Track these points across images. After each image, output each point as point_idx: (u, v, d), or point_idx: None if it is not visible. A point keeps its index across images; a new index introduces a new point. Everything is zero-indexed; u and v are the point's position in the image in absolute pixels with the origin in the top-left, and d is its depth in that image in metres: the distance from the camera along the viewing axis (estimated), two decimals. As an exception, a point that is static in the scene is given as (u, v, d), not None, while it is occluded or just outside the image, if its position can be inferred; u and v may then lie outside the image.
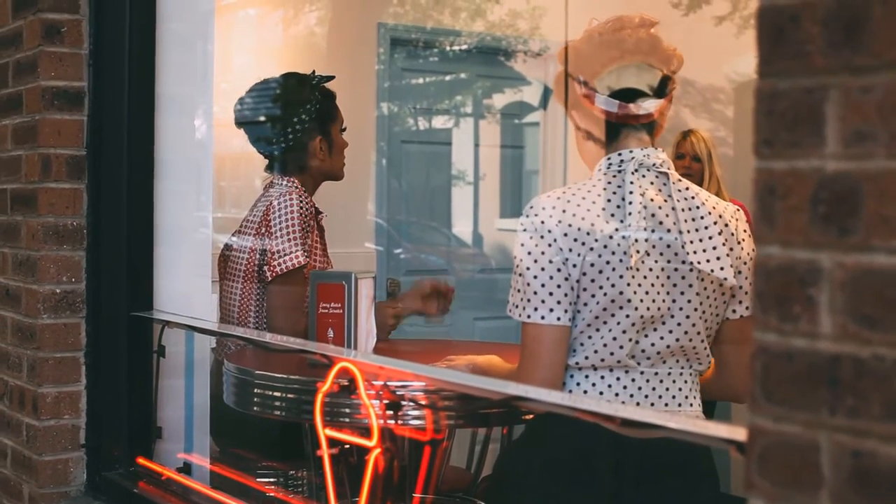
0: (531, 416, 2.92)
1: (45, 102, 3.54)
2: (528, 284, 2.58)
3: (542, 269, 2.57)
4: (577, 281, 2.56)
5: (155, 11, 3.56)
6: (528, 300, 2.58)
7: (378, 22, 6.38)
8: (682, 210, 2.62)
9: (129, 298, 3.54)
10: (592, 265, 2.55)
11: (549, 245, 2.57)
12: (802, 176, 1.30)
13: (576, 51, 2.83)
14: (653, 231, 2.59)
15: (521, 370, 2.62)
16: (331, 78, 4.02)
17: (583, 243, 2.56)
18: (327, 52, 6.32)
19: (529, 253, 2.58)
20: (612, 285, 2.55)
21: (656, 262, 2.58)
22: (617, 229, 2.57)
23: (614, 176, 2.65)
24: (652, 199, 2.62)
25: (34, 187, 3.57)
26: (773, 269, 1.33)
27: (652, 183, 2.65)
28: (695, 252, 2.59)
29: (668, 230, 2.60)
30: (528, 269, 2.58)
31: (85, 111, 3.59)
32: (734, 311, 2.69)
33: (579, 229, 2.57)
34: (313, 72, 4.01)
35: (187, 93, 3.69)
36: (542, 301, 2.56)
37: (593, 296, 2.56)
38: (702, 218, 2.62)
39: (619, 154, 2.68)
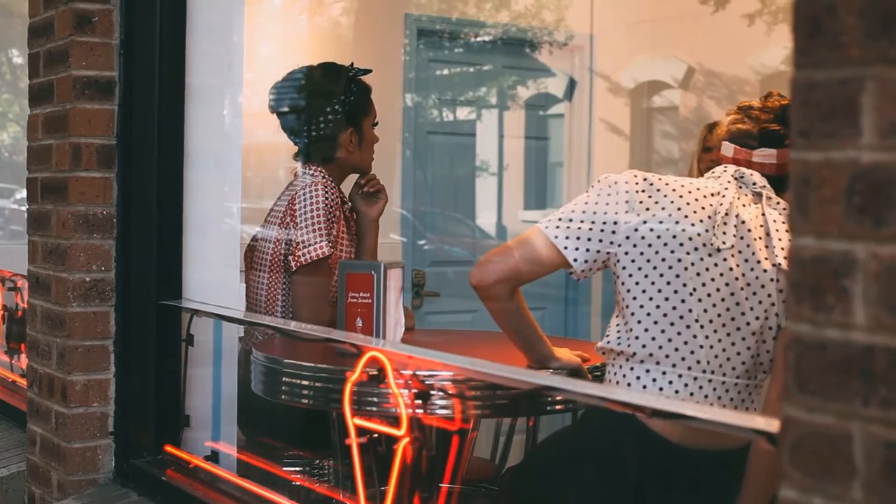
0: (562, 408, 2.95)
1: (76, 92, 3.55)
2: (573, 212, 2.75)
3: (587, 211, 2.73)
4: (630, 275, 2.69)
5: (185, 1, 3.57)
6: (559, 219, 2.75)
7: (404, 13, 6.38)
8: (773, 220, 2.71)
9: (158, 287, 3.56)
10: (649, 261, 2.65)
11: (605, 221, 2.73)
12: (837, 167, 1.30)
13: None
14: (740, 237, 2.67)
15: (497, 251, 2.85)
16: (367, 71, 4.02)
17: (641, 236, 2.70)
18: (354, 43, 6.32)
19: (596, 203, 2.75)
20: (679, 278, 2.65)
21: (727, 260, 2.62)
22: (691, 221, 2.67)
23: (715, 179, 2.81)
24: (745, 210, 2.73)
25: (65, 176, 3.59)
26: (807, 260, 1.33)
27: (747, 195, 2.77)
28: (785, 257, 2.64)
29: (755, 239, 2.68)
30: (584, 206, 2.75)
31: (115, 101, 3.60)
32: None
33: (643, 221, 2.72)
34: (352, 64, 4.01)
35: (216, 83, 3.70)
36: (568, 235, 2.73)
37: (659, 290, 2.67)
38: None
39: (726, 168, 2.84)
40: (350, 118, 3.94)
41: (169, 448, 3.54)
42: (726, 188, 2.73)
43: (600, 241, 2.71)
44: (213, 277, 3.63)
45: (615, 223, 2.71)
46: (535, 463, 3.00)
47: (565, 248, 2.72)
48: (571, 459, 2.76)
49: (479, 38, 6.78)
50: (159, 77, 3.54)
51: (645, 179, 2.75)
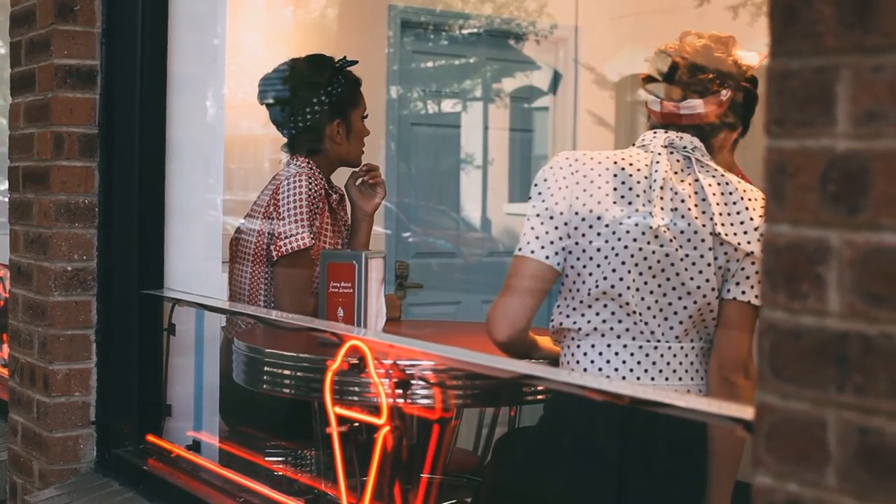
0: (542, 397, 2.97)
1: (58, 81, 3.55)
2: (532, 227, 2.74)
3: (541, 213, 2.74)
4: (578, 259, 2.70)
5: (167, -9, 3.57)
6: (528, 237, 2.74)
7: (388, 4, 6.37)
8: (710, 185, 2.68)
9: (140, 277, 3.56)
10: (599, 250, 2.64)
11: (557, 215, 2.73)
12: (813, 155, 1.31)
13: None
14: (674, 209, 2.64)
15: (497, 298, 2.79)
16: (354, 63, 4.01)
17: (590, 225, 2.70)
18: (338, 35, 6.32)
19: (536, 205, 2.76)
20: (622, 262, 2.64)
21: (675, 238, 2.63)
22: (633, 206, 2.65)
23: (641, 147, 2.78)
24: (678, 178, 2.70)
25: (46, 165, 3.59)
26: (782, 248, 1.34)
27: (678, 161, 2.74)
28: (722, 224, 2.64)
29: (689, 208, 2.65)
30: (536, 215, 2.76)
31: (97, 90, 3.60)
32: (729, 290, 2.71)
33: (589, 210, 2.69)
34: (344, 57, 4.01)
35: (199, 73, 3.69)
36: (537, 237, 2.72)
37: (598, 266, 2.69)
38: (730, 194, 2.68)
39: (655, 132, 2.80)
40: (337, 110, 3.93)
41: (150, 437, 3.54)
42: (658, 162, 2.71)
43: (560, 238, 2.73)
44: (194, 267, 3.63)
45: (562, 213, 2.72)
46: (510, 453, 3.01)
47: (547, 257, 2.72)
48: (545, 447, 2.77)
49: (463, 30, 6.78)
50: (141, 66, 3.53)
51: (577, 160, 2.76)
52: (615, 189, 2.70)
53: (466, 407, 3.35)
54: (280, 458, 3.73)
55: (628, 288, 2.66)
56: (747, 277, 2.67)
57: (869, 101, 1.25)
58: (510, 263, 2.79)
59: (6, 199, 3.96)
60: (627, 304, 2.66)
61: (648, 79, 2.85)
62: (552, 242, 2.72)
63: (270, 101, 4.09)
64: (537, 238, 2.73)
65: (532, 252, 2.72)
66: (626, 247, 2.66)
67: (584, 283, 2.71)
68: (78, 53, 3.57)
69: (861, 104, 1.26)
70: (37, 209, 3.64)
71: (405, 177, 6.52)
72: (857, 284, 1.26)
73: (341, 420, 2.66)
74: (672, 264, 2.65)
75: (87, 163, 3.59)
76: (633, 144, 2.82)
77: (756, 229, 2.65)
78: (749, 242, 2.65)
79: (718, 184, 2.70)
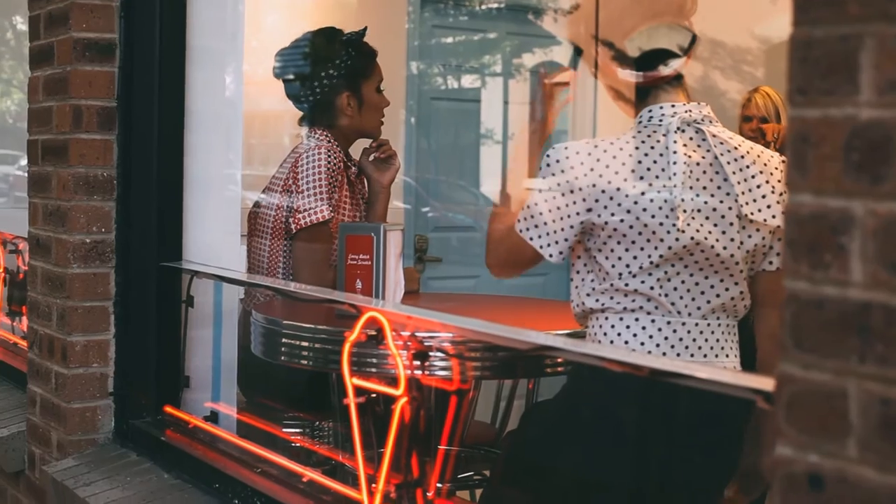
0: (562, 370, 2.97)
1: (77, 54, 3.54)
2: (542, 220, 2.73)
3: (558, 207, 2.70)
4: (600, 236, 2.66)
5: (186, -36, 3.56)
6: (536, 225, 2.74)
7: (409, -21, 6.36)
8: (728, 162, 2.64)
9: (159, 249, 3.55)
10: (622, 221, 2.60)
11: (574, 201, 2.67)
12: (836, 124, 1.29)
13: (605, 8, 2.90)
14: (697, 195, 2.62)
15: (497, 249, 2.91)
16: (361, 34, 3.99)
17: (618, 203, 2.64)
18: (357, 10, 6.30)
19: (545, 191, 2.74)
20: (647, 241, 2.59)
21: (702, 225, 2.60)
22: (654, 186, 2.61)
23: (654, 131, 2.68)
24: (695, 160, 2.66)
25: (65, 138, 3.59)
26: (804, 218, 1.33)
27: (691, 138, 2.68)
28: (746, 203, 2.61)
29: (713, 193, 2.62)
30: (537, 203, 2.74)
31: (116, 63, 3.59)
32: (771, 262, 2.70)
33: (612, 185, 2.64)
34: (365, 28, 3.99)
35: (218, 47, 3.68)
36: (549, 232, 2.72)
37: (613, 266, 2.66)
38: (747, 167, 2.65)
39: (661, 108, 2.73)
40: (347, 82, 3.92)
41: (168, 409, 3.55)
42: (675, 151, 2.64)
43: (561, 229, 2.70)
44: (213, 240, 3.63)
45: (574, 202, 2.68)
46: (529, 426, 3.01)
47: (541, 247, 2.74)
48: (565, 420, 2.77)
49: (483, 5, 6.75)
50: (160, 39, 3.52)
51: (596, 147, 2.70)
52: (633, 171, 2.65)
53: (485, 379, 3.35)
54: (298, 430, 3.74)
55: (650, 274, 2.63)
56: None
57: (893, 70, 1.24)
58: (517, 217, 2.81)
59: (25, 174, 3.96)
60: (652, 288, 2.63)
61: (667, 54, 2.80)
62: (565, 238, 2.71)
63: (285, 75, 4.09)
64: (550, 233, 2.71)
65: (541, 247, 2.74)
66: (644, 235, 2.62)
67: (607, 273, 2.68)
68: (96, 27, 3.56)
69: (885, 73, 1.25)
70: (55, 182, 3.64)
71: (425, 152, 6.51)
72: (880, 254, 1.25)
73: (359, 391, 2.65)
74: (702, 251, 2.62)
75: (106, 136, 3.59)
76: (640, 121, 2.75)
77: (779, 202, 2.64)
78: (774, 217, 2.63)
79: (735, 159, 2.66)
